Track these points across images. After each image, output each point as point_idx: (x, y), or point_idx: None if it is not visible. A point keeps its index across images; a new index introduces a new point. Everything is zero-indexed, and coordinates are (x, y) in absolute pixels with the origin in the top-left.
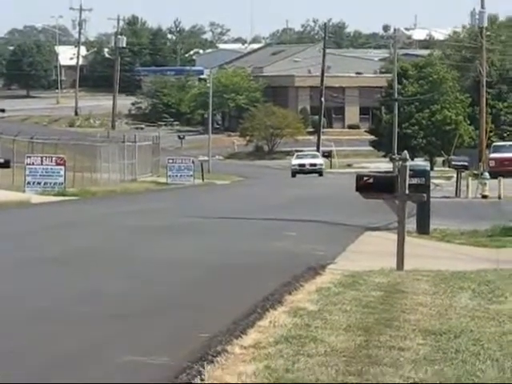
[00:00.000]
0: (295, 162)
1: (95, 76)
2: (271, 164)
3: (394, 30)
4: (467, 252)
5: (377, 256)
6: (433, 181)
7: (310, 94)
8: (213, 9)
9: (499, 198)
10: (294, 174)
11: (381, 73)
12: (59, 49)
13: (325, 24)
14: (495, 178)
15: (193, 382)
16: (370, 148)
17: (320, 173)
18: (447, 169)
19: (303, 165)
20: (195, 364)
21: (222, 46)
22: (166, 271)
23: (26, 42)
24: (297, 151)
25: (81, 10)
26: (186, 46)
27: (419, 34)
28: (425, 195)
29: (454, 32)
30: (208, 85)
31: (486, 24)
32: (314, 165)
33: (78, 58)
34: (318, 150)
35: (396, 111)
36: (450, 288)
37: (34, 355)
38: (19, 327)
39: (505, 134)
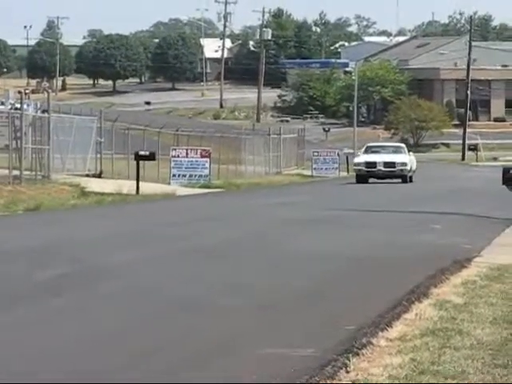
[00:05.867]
0: (360, 159)
1: (240, 68)
2: (416, 157)
3: None
4: None
5: None
6: None
7: (455, 87)
8: (358, 1)
9: None
10: (358, 178)
11: None
12: (204, 41)
13: (471, 17)
14: None
15: (338, 373)
16: None
17: (403, 177)
18: None
19: (373, 164)
20: (341, 356)
21: (367, 38)
22: (309, 263)
23: (171, 34)
24: (437, 144)
25: (226, 2)
26: (331, 38)
27: None
28: None
29: None
30: (353, 77)
31: None
32: (392, 164)
33: (223, 50)
34: (463, 143)
35: None
36: None
37: (174, 348)
38: (165, 318)
39: None
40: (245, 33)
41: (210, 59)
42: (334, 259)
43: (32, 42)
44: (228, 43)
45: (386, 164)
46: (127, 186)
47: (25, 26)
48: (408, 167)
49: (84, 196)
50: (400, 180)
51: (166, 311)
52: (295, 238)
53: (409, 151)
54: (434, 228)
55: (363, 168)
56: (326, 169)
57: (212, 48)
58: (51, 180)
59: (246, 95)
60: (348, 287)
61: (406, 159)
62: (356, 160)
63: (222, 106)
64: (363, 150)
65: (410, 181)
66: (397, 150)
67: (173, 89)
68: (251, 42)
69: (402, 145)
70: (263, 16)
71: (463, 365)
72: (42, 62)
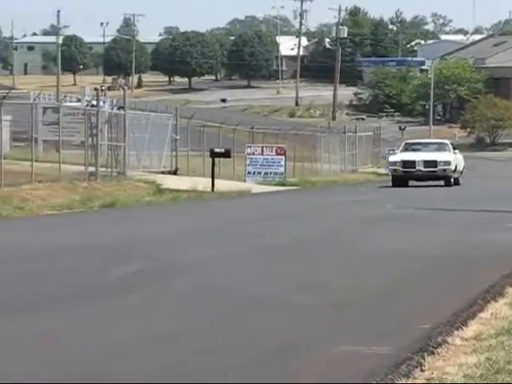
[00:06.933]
0: (396, 157)
1: (316, 66)
2: (492, 156)
3: None
4: None
5: None
6: None
7: None
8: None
9: None
10: (394, 180)
11: None
12: (280, 39)
13: None
14: None
15: (413, 372)
16: None
17: (446, 178)
18: None
19: (411, 163)
20: (416, 355)
21: (443, 36)
22: (384, 261)
23: (247, 32)
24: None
25: (302, 0)
26: (408, 36)
27: None
28: None
29: None
30: (429, 76)
31: None
32: (434, 163)
33: (298, 48)
34: None
35: None
36: None
37: (250, 345)
38: (239, 316)
39: None
40: (321, 31)
41: (285, 57)
42: (409, 257)
43: (108, 39)
44: (304, 41)
45: (427, 163)
46: (202, 183)
47: (101, 23)
48: (452, 167)
49: (159, 193)
50: (443, 183)
51: (241, 309)
52: (370, 235)
53: (454, 149)
54: (508, 227)
55: (400, 168)
56: None
57: (288, 46)
58: (127, 177)
59: (321, 93)
60: (423, 286)
61: (450, 158)
62: (391, 159)
63: (297, 104)
64: (401, 147)
65: (456, 183)
66: (440, 148)
67: (248, 86)
68: (327, 40)
69: (447, 141)
70: (339, 14)
71: None
72: (118, 59)
